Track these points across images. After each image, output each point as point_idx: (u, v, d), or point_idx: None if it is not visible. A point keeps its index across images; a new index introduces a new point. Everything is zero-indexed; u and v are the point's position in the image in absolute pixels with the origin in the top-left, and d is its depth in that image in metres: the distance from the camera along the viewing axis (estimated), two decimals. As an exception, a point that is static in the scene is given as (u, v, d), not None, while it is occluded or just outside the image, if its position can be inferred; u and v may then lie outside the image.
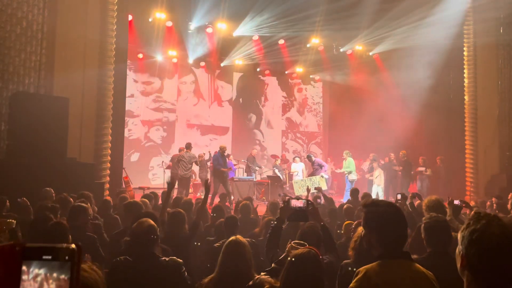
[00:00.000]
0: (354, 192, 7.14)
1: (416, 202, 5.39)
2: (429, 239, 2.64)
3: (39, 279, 0.67)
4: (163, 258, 2.75)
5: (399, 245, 1.83)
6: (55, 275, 0.67)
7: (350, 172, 11.65)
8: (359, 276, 1.78)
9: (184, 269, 2.78)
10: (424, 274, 1.79)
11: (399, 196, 6.10)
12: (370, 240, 1.89)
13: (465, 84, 11.53)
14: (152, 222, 2.81)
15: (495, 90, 11.31)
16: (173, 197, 6.79)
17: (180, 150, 11.32)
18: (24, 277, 0.68)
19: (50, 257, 0.68)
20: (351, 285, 1.77)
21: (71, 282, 0.66)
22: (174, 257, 2.79)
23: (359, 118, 14.51)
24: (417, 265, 1.86)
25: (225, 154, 11.02)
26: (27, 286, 0.67)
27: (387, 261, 1.80)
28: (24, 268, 0.68)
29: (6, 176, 6.50)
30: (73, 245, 0.69)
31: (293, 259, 2.11)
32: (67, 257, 0.68)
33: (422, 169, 11.91)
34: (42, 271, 0.67)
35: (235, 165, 13.26)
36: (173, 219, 3.92)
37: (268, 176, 12.74)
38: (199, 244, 4.20)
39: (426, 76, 12.14)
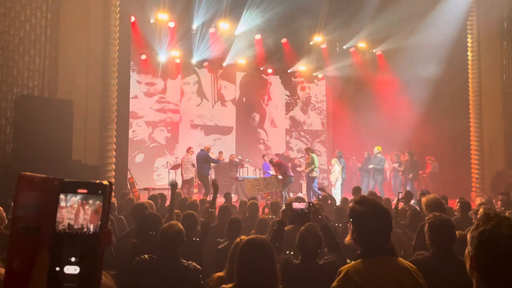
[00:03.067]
0: (357, 190, 7.18)
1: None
2: (433, 238, 2.61)
3: (76, 205, 0.78)
4: (184, 261, 2.82)
5: (380, 243, 1.87)
6: (90, 201, 0.78)
7: (312, 170, 11.00)
8: (340, 275, 1.83)
9: (201, 276, 2.84)
10: (406, 268, 1.83)
11: (400, 195, 6.07)
12: (356, 240, 1.94)
13: (469, 80, 11.49)
14: (181, 226, 2.93)
15: (500, 85, 11.25)
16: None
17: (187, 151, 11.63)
18: (62, 204, 0.79)
19: (85, 191, 0.79)
20: (333, 284, 1.82)
21: (103, 207, 0.77)
22: (194, 263, 2.86)
23: (363, 116, 14.47)
24: (400, 259, 1.89)
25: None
26: (65, 212, 0.78)
27: (367, 259, 1.84)
28: (62, 196, 0.79)
29: (12, 179, 6.52)
30: (105, 181, 0.80)
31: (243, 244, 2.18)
32: (100, 191, 0.79)
33: (396, 165, 11.89)
34: (78, 198, 0.79)
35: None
36: (186, 221, 3.95)
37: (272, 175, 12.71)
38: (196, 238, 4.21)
39: (430, 73, 12.09)
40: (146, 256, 2.82)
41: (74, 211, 0.78)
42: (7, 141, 7.77)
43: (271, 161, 11.58)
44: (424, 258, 2.63)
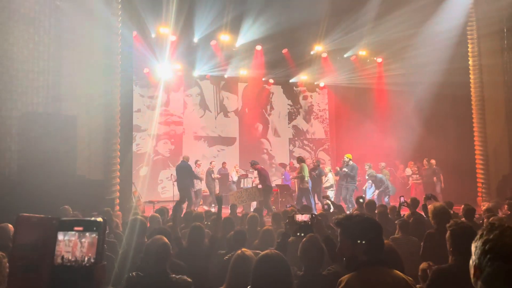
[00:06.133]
0: (360, 199, 7.16)
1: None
2: (456, 246, 2.55)
3: (73, 238, 0.83)
4: (173, 275, 2.76)
5: (381, 252, 1.92)
6: (87, 234, 0.83)
7: (302, 179, 10.76)
8: (341, 286, 1.86)
9: None
10: (404, 279, 1.86)
11: (402, 199, 5.99)
12: (353, 252, 1.92)
13: (471, 84, 11.47)
14: (166, 240, 2.86)
15: (502, 89, 11.21)
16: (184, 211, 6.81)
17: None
18: (60, 237, 0.83)
19: (81, 228, 0.84)
20: None
21: (98, 242, 0.82)
22: (185, 276, 2.80)
23: (366, 123, 14.46)
24: (396, 271, 1.92)
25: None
26: (63, 245, 0.83)
27: (367, 269, 1.88)
28: (60, 231, 0.84)
29: (17, 196, 6.56)
30: (100, 219, 0.85)
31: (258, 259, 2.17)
32: (95, 228, 0.84)
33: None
34: (75, 233, 0.84)
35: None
36: (193, 233, 3.95)
37: (276, 185, 12.68)
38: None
39: (432, 79, 12.09)
40: (133, 274, 2.75)
41: (72, 244, 0.82)
42: (12, 158, 7.80)
43: (252, 164, 10.98)
44: (447, 267, 2.59)
